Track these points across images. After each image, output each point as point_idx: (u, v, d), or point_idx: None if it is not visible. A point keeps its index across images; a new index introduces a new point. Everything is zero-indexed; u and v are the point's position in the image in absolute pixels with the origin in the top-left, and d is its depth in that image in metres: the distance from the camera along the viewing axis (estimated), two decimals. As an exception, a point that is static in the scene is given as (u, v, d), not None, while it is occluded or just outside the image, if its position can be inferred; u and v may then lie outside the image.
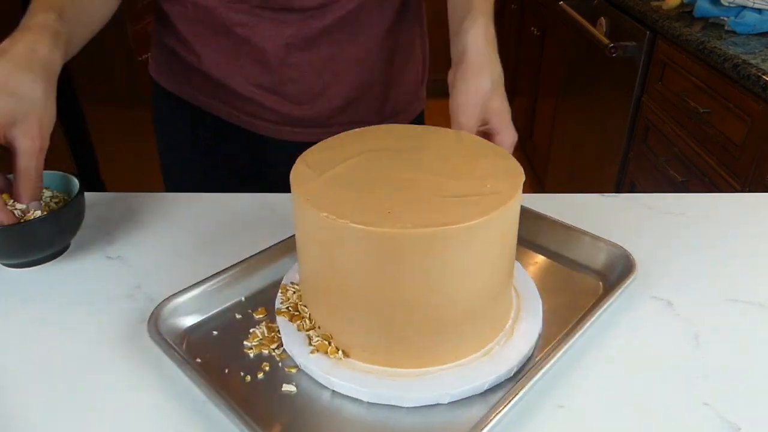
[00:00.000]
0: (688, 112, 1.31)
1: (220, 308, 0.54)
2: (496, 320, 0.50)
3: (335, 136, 0.53)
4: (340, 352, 0.47)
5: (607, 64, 1.71)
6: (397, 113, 0.83)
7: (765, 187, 1.06)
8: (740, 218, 0.68)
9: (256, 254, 0.57)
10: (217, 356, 0.49)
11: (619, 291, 0.53)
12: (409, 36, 0.80)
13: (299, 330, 0.49)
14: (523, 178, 0.47)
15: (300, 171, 0.48)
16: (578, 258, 0.61)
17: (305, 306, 0.51)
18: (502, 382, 0.46)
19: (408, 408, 0.45)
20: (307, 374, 0.47)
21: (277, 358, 0.49)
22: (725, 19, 1.30)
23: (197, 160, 0.85)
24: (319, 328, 0.49)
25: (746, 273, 0.60)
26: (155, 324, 0.49)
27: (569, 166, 2.13)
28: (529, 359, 0.49)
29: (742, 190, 1.13)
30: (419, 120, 0.88)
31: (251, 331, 0.51)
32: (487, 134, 0.61)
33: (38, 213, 0.57)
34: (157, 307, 0.51)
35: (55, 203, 0.62)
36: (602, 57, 1.66)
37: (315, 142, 0.68)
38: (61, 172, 0.64)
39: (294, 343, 0.48)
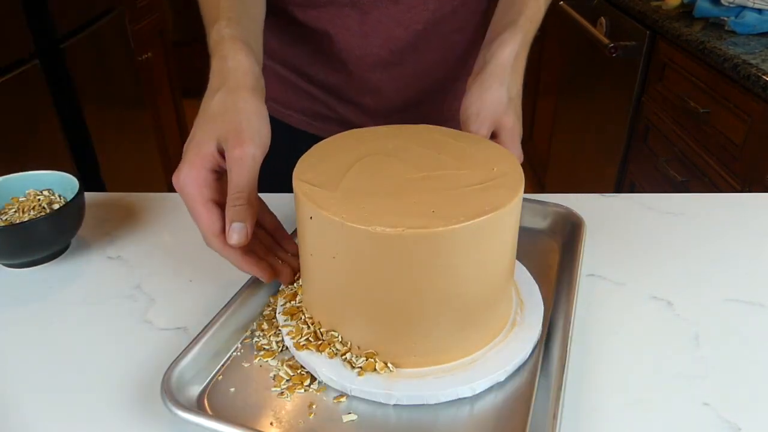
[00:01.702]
0: (688, 112, 1.31)
1: (222, 362, 0.49)
2: (508, 309, 0.51)
3: (324, 141, 0.52)
4: (389, 365, 0.46)
5: (607, 64, 1.71)
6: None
7: (765, 187, 1.06)
8: (740, 218, 0.68)
9: (234, 298, 0.52)
10: (254, 412, 0.44)
11: (582, 244, 0.58)
12: (472, 47, 0.78)
13: (331, 357, 0.47)
14: (521, 172, 0.48)
15: (307, 190, 0.45)
16: (529, 224, 0.64)
17: (333, 331, 0.48)
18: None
19: (471, 397, 0.45)
20: (357, 398, 0.45)
21: (317, 393, 0.46)
22: (725, 19, 1.30)
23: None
24: (358, 348, 0.47)
25: (746, 273, 0.60)
26: (174, 399, 0.42)
27: (569, 166, 2.13)
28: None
29: (742, 190, 1.13)
30: None
31: (273, 375, 0.47)
32: None
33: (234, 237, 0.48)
34: (164, 381, 0.43)
35: (56, 203, 0.63)
36: (602, 57, 1.66)
37: None
38: (60, 172, 0.64)
39: (334, 372, 0.46)
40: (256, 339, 0.51)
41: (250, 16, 0.57)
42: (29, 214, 0.61)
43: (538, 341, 0.50)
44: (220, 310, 0.50)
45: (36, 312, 0.55)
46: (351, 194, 0.44)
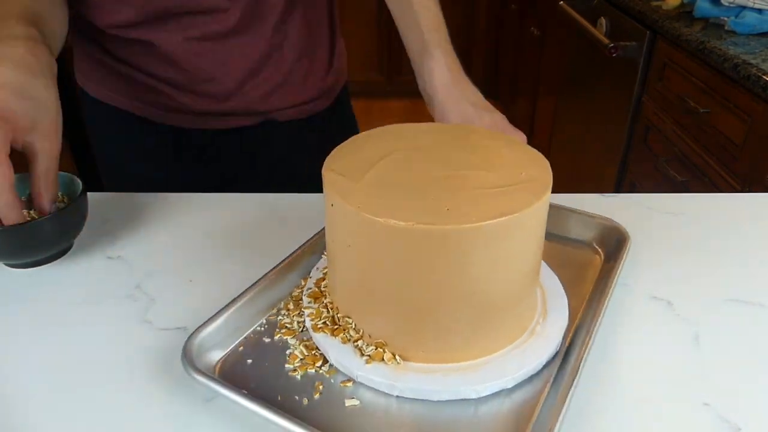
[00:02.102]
0: (688, 112, 1.31)
1: (245, 335, 0.51)
2: (528, 316, 0.50)
3: (361, 134, 0.53)
4: (397, 357, 0.46)
5: (607, 64, 1.71)
6: (294, 106, 0.85)
7: (765, 187, 1.06)
8: (740, 218, 0.68)
9: (267, 274, 0.54)
10: (263, 384, 0.46)
11: (622, 261, 0.56)
12: (308, 30, 0.81)
13: (344, 343, 0.48)
14: (549, 170, 0.48)
15: (333, 178, 0.46)
16: (573, 235, 0.63)
17: (348, 317, 0.49)
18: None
19: (475, 399, 0.45)
20: (364, 385, 0.46)
21: (326, 375, 0.47)
22: (725, 19, 1.30)
23: (142, 163, 0.87)
24: (369, 336, 0.48)
25: (746, 273, 0.60)
26: (192, 362, 0.45)
27: (569, 166, 2.13)
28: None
29: (742, 190, 1.13)
30: (328, 114, 0.89)
31: (288, 352, 0.49)
32: None
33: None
34: (187, 344, 0.47)
35: (59, 204, 0.62)
36: (602, 57, 1.66)
37: (249, 126, 0.74)
38: (63, 173, 0.64)
39: (344, 357, 0.47)
40: (280, 317, 0.53)
41: (47, 26, 0.61)
42: (31, 215, 0.61)
43: (554, 354, 0.48)
44: (252, 285, 0.53)
45: (36, 312, 0.55)
46: (372, 186, 0.45)
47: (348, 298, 0.49)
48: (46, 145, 0.56)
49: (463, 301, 0.44)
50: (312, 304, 0.52)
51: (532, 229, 0.46)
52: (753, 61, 1.10)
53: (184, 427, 0.44)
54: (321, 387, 0.46)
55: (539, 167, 0.48)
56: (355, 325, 0.49)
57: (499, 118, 0.60)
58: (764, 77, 1.04)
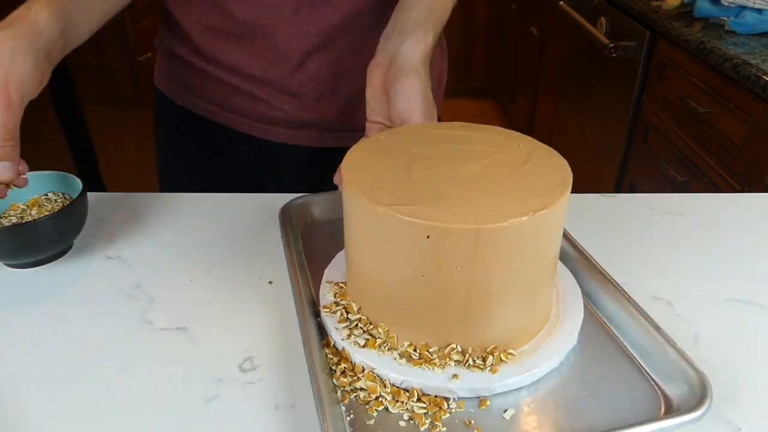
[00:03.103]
0: (688, 112, 1.31)
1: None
2: (537, 320, 0.50)
3: (372, 138, 0.53)
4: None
5: (607, 64, 1.71)
6: None
7: (765, 187, 1.06)
8: (740, 218, 0.68)
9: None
10: None
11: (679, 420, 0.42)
12: None
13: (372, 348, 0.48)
14: (570, 173, 0.47)
15: (355, 179, 0.46)
16: (651, 368, 0.48)
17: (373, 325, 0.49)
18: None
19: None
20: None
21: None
22: (725, 19, 1.30)
23: (199, 169, 0.85)
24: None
25: (746, 273, 0.60)
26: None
27: (569, 166, 2.13)
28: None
29: (742, 190, 1.13)
30: None
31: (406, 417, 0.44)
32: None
33: (6, 174, 0.54)
34: None
35: (59, 204, 0.63)
36: (602, 57, 1.66)
37: (323, 147, 0.69)
38: (63, 173, 0.64)
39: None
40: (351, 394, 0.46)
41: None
42: (31, 215, 0.61)
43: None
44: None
45: (36, 312, 0.55)
46: (398, 187, 0.45)
47: (380, 304, 0.48)
48: None
49: (492, 296, 0.44)
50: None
51: (554, 226, 0.45)
52: (753, 61, 1.10)
53: (184, 427, 0.44)
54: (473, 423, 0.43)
55: (558, 166, 0.48)
56: (388, 331, 0.48)
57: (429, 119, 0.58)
58: (764, 77, 1.04)
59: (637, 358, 0.49)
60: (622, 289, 0.52)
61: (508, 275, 0.44)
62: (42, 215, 0.60)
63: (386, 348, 0.47)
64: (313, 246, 0.61)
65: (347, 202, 0.47)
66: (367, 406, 0.44)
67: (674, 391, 0.45)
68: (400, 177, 0.46)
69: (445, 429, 0.43)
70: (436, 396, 0.45)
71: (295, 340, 0.50)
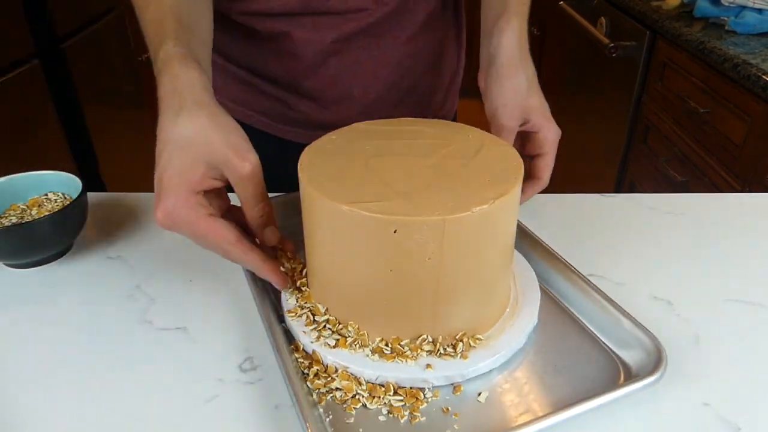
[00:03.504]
0: (688, 112, 1.31)
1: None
2: (500, 304, 0.51)
3: (328, 134, 0.54)
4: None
5: (607, 64, 1.71)
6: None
7: (765, 187, 1.06)
8: (740, 218, 0.68)
9: None
10: None
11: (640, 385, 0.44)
12: (439, 41, 0.79)
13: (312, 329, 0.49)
14: (521, 163, 0.49)
15: (311, 175, 0.47)
16: (608, 339, 0.51)
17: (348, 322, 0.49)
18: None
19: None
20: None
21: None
22: (725, 19, 1.30)
23: None
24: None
25: (746, 273, 0.60)
26: None
27: (569, 166, 2.13)
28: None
29: (742, 190, 1.13)
30: None
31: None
32: (527, 133, 0.61)
33: (274, 238, 0.52)
34: None
35: (59, 204, 0.63)
36: (602, 57, 1.66)
37: None
38: (63, 173, 0.64)
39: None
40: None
41: (198, 37, 0.54)
42: (31, 215, 0.61)
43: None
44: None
45: (36, 312, 0.55)
46: (352, 180, 0.46)
47: (349, 303, 0.49)
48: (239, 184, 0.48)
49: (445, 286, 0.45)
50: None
51: (512, 212, 0.47)
52: (753, 61, 1.10)
53: (184, 427, 0.44)
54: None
55: (509, 154, 0.50)
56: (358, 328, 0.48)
57: (544, 105, 0.60)
58: (764, 77, 1.04)
59: (594, 330, 0.52)
60: (573, 267, 0.55)
61: (474, 262, 0.46)
62: (42, 215, 0.60)
63: (357, 346, 0.47)
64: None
65: (309, 203, 0.47)
66: (344, 405, 0.45)
67: (632, 358, 0.48)
68: (359, 175, 0.47)
69: (424, 418, 0.44)
70: (411, 387, 0.46)
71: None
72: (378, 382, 0.46)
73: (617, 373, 0.47)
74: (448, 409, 0.44)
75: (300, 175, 0.47)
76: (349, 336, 0.48)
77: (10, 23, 1.37)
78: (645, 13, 1.48)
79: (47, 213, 0.60)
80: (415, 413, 0.44)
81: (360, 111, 0.76)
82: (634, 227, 0.67)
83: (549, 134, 0.60)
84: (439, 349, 0.47)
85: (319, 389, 0.45)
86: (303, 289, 0.52)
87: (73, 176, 0.63)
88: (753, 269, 0.60)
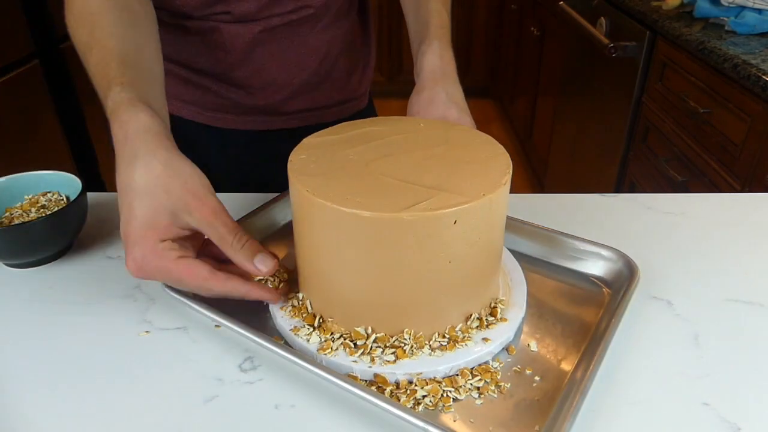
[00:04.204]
0: (688, 112, 1.31)
1: None
2: (486, 301, 0.52)
3: (319, 132, 0.54)
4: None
5: (607, 64, 1.71)
6: (339, 104, 0.87)
7: (765, 187, 1.06)
8: (740, 218, 0.68)
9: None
10: None
11: (627, 299, 0.52)
12: (350, 31, 0.84)
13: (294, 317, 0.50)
14: (510, 163, 0.49)
15: (296, 165, 0.48)
16: (578, 267, 0.60)
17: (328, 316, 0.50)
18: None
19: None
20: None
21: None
22: (725, 19, 1.30)
23: None
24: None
25: (746, 273, 0.60)
26: None
27: (569, 166, 2.13)
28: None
29: (742, 190, 1.13)
30: (364, 114, 0.94)
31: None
32: None
33: (269, 265, 0.49)
34: None
35: (59, 204, 0.63)
36: (602, 57, 1.66)
37: (274, 129, 0.77)
38: (63, 173, 0.64)
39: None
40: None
41: (146, 73, 0.54)
42: (31, 215, 0.61)
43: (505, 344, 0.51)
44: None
45: (36, 312, 0.55)
46: (339, 178, 0.47)
47: (309, 279, 0.50)
48: (202, 224, 0.48)
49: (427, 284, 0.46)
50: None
51: (494, 214, 0.47)
52: (753, 61, 1.09)
53: (184, 427, 0.44)
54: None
55: (498, 156, 0.50)
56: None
57: (465, 119, 0.61)
58: (764, 77, 1.04)
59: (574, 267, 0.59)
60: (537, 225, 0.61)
61: (477, 250, 0.47)
62: (42, 215, 0.60)
63: (414, 349, 0.48)
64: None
65: (297, 201, 0.48)
66: (440, 408, 0.45)
67: (612, 278, 0.57)
68: (348, 173, 0.47)
69: (509, 384, 0.47)
70: (479, 365, 0.48)
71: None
72: (452, 373, 0.47)
73: (602, 295, 0.56)
74: (520, 368, 0.48)
75: (291, 175, 0.48)
76: (404, 344, 0.48)
77: (10, 23, 1.37)
78: (645, 13, 1.48)
79: (47, 213, 0.60)
80: (499, 384, 0.46)
81: (286, 95, 0.80)
82: (634, 227, 0.67)
83: None
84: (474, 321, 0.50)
85: (408, 404, 0.45)
86: (294, 302, 0.53)
87: (73, 176, 0.63)
88: (753, 269, 0.60)
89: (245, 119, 0.82)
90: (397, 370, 0.46)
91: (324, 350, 0.48)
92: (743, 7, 1.29)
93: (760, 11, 1.27)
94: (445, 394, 0.45)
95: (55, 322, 0.54)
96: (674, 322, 0.53)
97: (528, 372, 0.48)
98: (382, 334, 0.48)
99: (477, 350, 0.48)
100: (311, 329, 0.50)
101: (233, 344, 0.51)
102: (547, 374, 0.48)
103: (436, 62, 0.64)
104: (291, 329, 0.50)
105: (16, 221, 0.60)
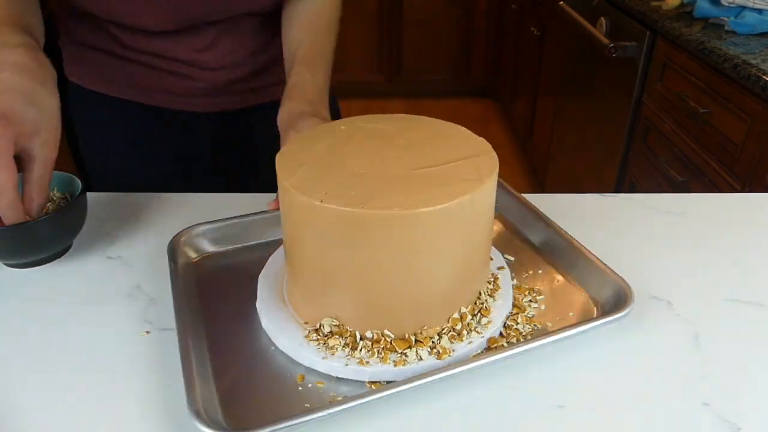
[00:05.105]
0: (688, 112, 1.31)
1: None
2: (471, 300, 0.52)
3: (291, 144, 0.54)
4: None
5: (607, 64, 1.71)
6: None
7: (765, 187, 1.06)
8: (740, 218, 0.68)
9: None
10: None
11: (608, 319, 0.49)
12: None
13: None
14: (496, 159, 0.50)
15: (284, 155, 0.49)
16: (580, 281, 0.58)
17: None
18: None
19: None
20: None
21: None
22: (725, 19, 1.30)
23: (132, 154, 0.89)
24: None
25: (746, 273, 0.60)
26: None
27: (569, 166, 2.13)
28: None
29: (742, 190, 1.13)
30: None
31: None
32: None
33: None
34: None
35: (58, 204, 0.63)
36: (602, 57, 1.66)
37: (234, 109, 0.86)
38: (63, 173, 0.64)
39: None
40: None
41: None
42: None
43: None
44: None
45: (36, 312, 0.55)
46: (326, 176, 0.47)
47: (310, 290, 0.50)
48: (46, 152, 0.56)
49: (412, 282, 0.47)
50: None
51: (479, 212, 0.48)
52: (753, 61, 1.09)
53: (184, 427, 0.44)
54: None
55: (485, 158, 0.50)
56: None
57: (312, 111, 0.64)
58: (764, 77, 1.04)
59: (572, 277, 0.58)
60: (556, 224, 0.61)
61: (450, 253, 0.47)
62: (42, 215, 0.60)
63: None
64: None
65: (285, 199, 0.48)
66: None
67: (604, 298, 0.54)
68: (333, 170, 0.48)
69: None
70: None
71: (295, 340, 0.50)
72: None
73: (592, 312, 0.54)
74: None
75: (279, 176, 0.48)
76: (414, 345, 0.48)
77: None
78: (645, 13, 1.48)
79: (47, 213, 0.60)
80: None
81: (247, 74, 0.84)
82: (634, 227, 0.67)
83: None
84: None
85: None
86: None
87: (73, 176, 0.63)
88: (753, 269, 0.60)
89: (214, 101, 0.85)
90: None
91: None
92: (743, 7, 1.29)
93: (760, 11, 1.27)
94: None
95: (55, 322, 0.54)
96: (674, 322, 0.53)
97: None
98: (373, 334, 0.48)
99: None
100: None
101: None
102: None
103: (299, 84, 0.69)
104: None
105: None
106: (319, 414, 0.41)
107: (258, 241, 0.64)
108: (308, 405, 0.45)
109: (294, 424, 0.40)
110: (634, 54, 1.53)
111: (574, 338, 0.49)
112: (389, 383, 0.46)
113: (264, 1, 0.77)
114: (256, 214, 0.64)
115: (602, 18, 1.72)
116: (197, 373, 0.45)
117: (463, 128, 0.56)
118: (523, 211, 0.66)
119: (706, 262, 0.61)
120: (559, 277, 0.59)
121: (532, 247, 0.63)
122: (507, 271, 0.57)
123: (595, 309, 0.54)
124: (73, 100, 0.88)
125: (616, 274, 0.54)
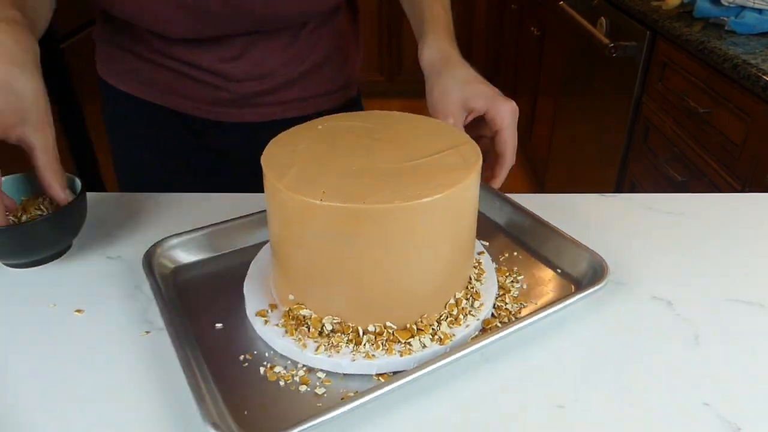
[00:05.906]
0: (688, 112, 1.31)
1: None
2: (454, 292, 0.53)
3: (294, 128, 0.55)
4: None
5: (607, 64, 1.71)
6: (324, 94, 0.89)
7: (765, 187, 1.06)
8: (740, 218, 0.68)
9: None
10: None
11: (587, 292, 0.52)
12: (334, 33, 0.87)
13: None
14: (477, 147, 0.51)
15: (270, 157, 0.50)
16: (554, 259, 0.61)
17: (301, 305, 0.50)
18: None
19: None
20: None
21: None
22: (725, 19, 1.30)
23: (156, 158, 0.88)
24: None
25: (746, 273, 0.60)
26: None
27: (569, 166, 2.13)
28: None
29: (742, 190, 1.13)
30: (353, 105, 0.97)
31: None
32: (482, 119, 0.64)
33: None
34: None
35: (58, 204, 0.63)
36: (602, 57, 1.66)
37: (262, 122, 0.83)
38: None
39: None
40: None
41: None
42: (30, 215, 0.61)
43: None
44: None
45: (36, 312, 0.55)
46: (312, 173, 0.47)
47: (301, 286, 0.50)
48: (40, 137, 0.55)
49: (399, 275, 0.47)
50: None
51: (469, 198, 0.48)
52: (753, 61, 1.09)
53: (184, 428, 0.44)
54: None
55: (467, 147, 0.51)
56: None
57: (487, 91, 0.63)
58: (764, 77, 1.04)
59: (543, 255, 0.61)
60: (526, 209, 0.64)
61: (433, 248, 0.48)
62: (41, 215, 0.60)
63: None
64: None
65: (270, 194, 0.48)
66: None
67: (580, 272, 0.57)
68: (319, 165, 0.48)
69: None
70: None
71: (295, 340, 0.50)
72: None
73: (569, 288, 0.57)
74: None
75: (266, 172, 0.48)
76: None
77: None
78: (645, 13, 1.48)
79: (46, 213, 0.60)
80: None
81: (275, 86, 0.82)
82: (634, 227, 0.67)
83: (500, 110, 0.63)
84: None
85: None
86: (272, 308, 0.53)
87: (73, 176, 0.63)
88: (753, 269, 0.60)
89: (237, 112, 0.83)
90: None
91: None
92: (743, 7, 1.29)
93: (760, 11, 1.27)
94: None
95: (54, 322, 0.54)
96: (674, 322, 0.53)
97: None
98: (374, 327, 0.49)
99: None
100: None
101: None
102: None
103: (433, 55, 0.67)
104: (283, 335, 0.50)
105: (16, 221, 0.60)
106: (341, 410, 0.41)
107: (233, 249, 0.63)
108: (320, 405, 0.45)
109: (314, 425, 0.40)
110: (634, 54, 1.53)
111: (572, 320, 0.51)
112: (396, 374, 0.46)
113: (294, 16, 0.75)
114: (227, 221, 0.63)
115: (602, 18, 1.72)
116: (203, 384, 0.44)
117: (435, 120, 0.58)
118: (489, 196, 0.68)
119: (706, 262, 0.61)
120: (533, 257, 0.61)
121: (502, 230, 0.66)
122: (487, 255, 0.59)
123: (572, 285, 0.57)
124: (103, 97, 0.88)
125: (587, 248, 0.57)
